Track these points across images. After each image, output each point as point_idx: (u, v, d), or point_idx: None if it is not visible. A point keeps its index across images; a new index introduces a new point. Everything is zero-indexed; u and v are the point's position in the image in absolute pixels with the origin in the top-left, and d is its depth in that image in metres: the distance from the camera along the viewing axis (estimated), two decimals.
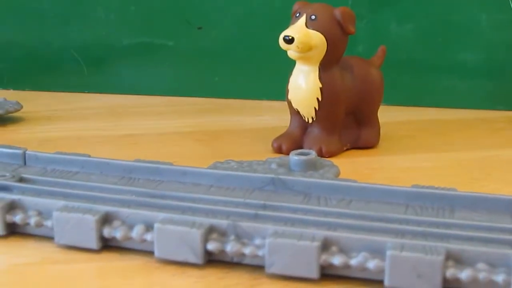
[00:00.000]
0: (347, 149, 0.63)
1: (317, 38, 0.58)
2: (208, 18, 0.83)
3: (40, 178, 0.49)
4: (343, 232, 0.39)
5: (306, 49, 0.58)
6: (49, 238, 0.43)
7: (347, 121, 0.63)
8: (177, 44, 0.84)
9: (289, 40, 0.58)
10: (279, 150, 0.62)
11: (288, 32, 0.58)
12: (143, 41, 0.85)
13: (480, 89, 0.79)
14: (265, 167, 0.52)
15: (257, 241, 0.40)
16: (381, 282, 0.38)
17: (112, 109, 0.80)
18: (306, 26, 0.58)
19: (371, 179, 0.54)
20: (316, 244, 0.38)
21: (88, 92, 0.87)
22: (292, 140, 0.62)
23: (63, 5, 0.86)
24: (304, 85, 0.60)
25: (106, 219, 0.42)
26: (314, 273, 0.38)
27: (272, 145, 0.63)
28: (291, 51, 0.59)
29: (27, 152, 0.53)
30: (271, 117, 0.75)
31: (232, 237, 0.40)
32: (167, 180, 0.50)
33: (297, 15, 0.60)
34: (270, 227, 0.40)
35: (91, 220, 0.41)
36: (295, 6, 0.61)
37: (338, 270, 0.39)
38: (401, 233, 0.40)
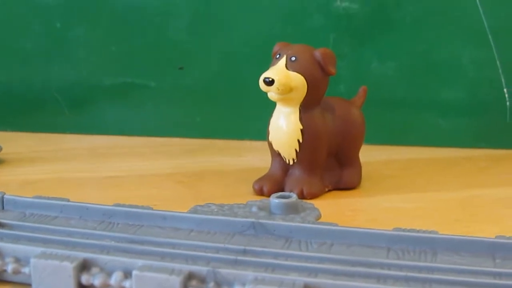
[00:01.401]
0: (329, 190, 0.63)
1: (298, 80, 0.58)
2: (189, 58, 0.83)
3: (18, 223, 0.48)
4: (324, 278, 0.39)
5: (287, 91, 0.58)
6: (27, 285, 0.42)
7: (328, 162, 0.62)
8: (159, 84, 0.84)
9: (269, 82, 0.57)
10: (260, 192, 0.62)
11: (268, 74, 0.58)
12: (125, 81, 0.84)
13: (463, 127, 0.79)
14: (246, 210, 0.52)
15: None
16: None
17: (94, 150, 0.79)
18: (287, 68, 0.58)
19: (353, 221, 0.54)
20: None
21: (69, 133, 0.86)
22: (274, 181, 0.62)
23: (45, 46, 0.86)
24: (284, 127, 0.60)
25: (84, 266, 0.41)
26: None
27: (254, 187, 0.62)
28: (272, 93, 0.59)
29: (5, 196, 0.53)
30: (253, 158, 0.75)
31: (212, 284, 0.40)
32: (147, 224, 0.49)
33: (278, 56, 0.60)
34: (250, 274, 0.39)
35: (69, 267, 0.41)
36: (276, 47, 0.61)
37: None
38: (383, 278, 0.40)
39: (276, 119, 0.61)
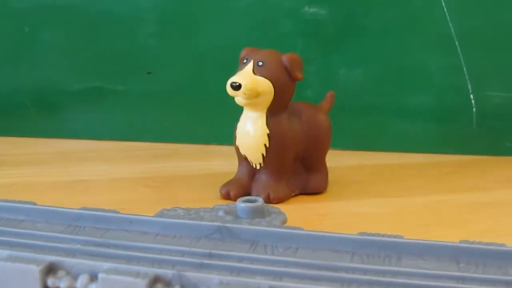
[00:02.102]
0: (296, 195, 0.63)
1: (264, 85, 0.58)
2: (158, 63, 0.83)
3: None
4: (289, 282, 0.39)
5: (254, 96, 0.58)
6: None
7: (295, 166, 0.63)
8: (127, 89, 0.84)
9: (236, 87, 0.58)
10: (227, 197, 0.62)
11: (235, 78, 0.58)
12: (94, 85, 0.84)
13: (430, 133, 0.80)
14: (212, 214, 0.52)
15: None
16: None
17: (62, 154, 0.79)
18: (254, 73, 0.59)
19: (319, 226, 0.54)
20: None
21: (37, 137, 0.86)
22: (240, 186, 0.62)
23: (13, 50, 0.85)
24: (251, 131, 0.60)
25: (50, 269, 0.42)
26: None
27: (220, 192, 0.62)
28: (239, 98, 0.59)
29: None
30: (221, 162, 0.75)
31: (177, 287, 0.40)
32: (114, 228, 0.49)
33: (245, 61, 0.60)
34: (215, 277, 0.40)
35: (35, 270, 0.41)
36: (243, 52, 0.61)
37: None
38: (347, 282, 0.40)
39: (243, 124, 0.61)
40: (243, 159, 0.62)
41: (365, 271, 0.42)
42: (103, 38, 0.84)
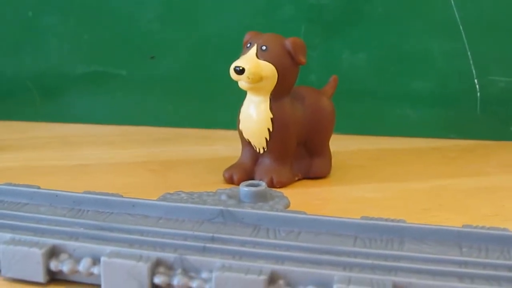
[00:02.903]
0: (299, 179, 0.63)
1: (268, 69, 0.58)
2: (161, 47, 0.83)
3: None
4: (291, 266, 0.39)
5: (257, 80, 0.58)
6: None
7: (298, 151, 0.63)
8: (130, 73, 0.84)
9: (240, 71, 0.58)
10: (230, 181, 0.62)
11: (239, 62, 0.58)
12: (96, 70, 0.84)
13: (433, 118, 0.80)
14: (215, 198, 0.52)
15: (204, 275, 0.40)
16: None
17: (65, 139, 0.79)
18: (257, 57, 0.58)
19: (322, 210, 0.54)
20: (263, 277, 0.38)
21: (40, 121, 0.86)
22: (243, 170, 0.62)
23: (15, 34, 0.85)
24: (255, 116, 0.60)
25: (53, 252, 0.42)
26: None
27: (224, 176, 0.63)
28: (242, 82, 0.59)
29: None
30: (224, 147, 0.75)
31: (179, 270, 0.40)
32: (117, 212, 0.49)
33: (248, 45, 0.60)
34: (217, 261, 0.40)
35: (38, 253, 0.41)
36: (247, 36, 0.61)
37: None
38: (349, 266, 0.40)
39: (247, 108, 0.61)
40: (246, 143, 0.62)
41: (367, 255, 0.42)
42: (106, 22, 0.84)
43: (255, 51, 0.59)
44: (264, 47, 0.59)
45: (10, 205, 0.50)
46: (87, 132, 0.82)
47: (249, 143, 0.62)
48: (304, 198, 0.58)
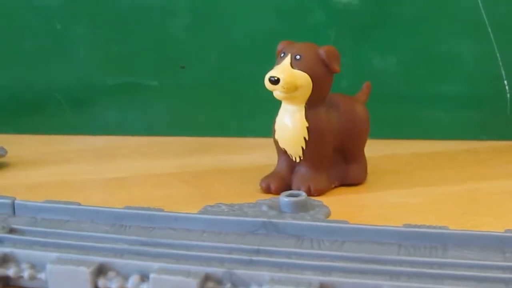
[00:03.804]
0: (335, 187, 0.63)
1: (303, 78, 0.58)
2: (191, 56, 0.83)
3: (30, 228, 0.48)
4: (338, 277, 0.40)
5: (292, 89, 0.58)
6: None
7: (334, 158, 0.63)
8: (161, 84, 0.84)
9: (275, 81, 0.58)
10: (267, 190, 0.62)
11: (274, 73, 0.58)
12: (127, 81, 0.85)
13: (464, 120, 0.80)
14: (256, 209, 0.52)
15: None
16: None
17: (98, 151, 0.79)
18: (291, 66, 0.58)
19: (362, 217, 0.54)
20: None
21: (71, 134, 0.86)
22: (280, 179, 0.62)
23: (44, 46, 0.86)
24: (290, 125, 0.60)
25: (100, 270, 0.42)
26: None
27: (261, 185, 0.63)
28: (277, 92, 0.59)
29: (16, 201, 0.53)
30: (258, 155, 0.75)
31: (228, 285, 0.40)
32: (159, 226, 0.50)
33: (282, 55, 0.60)
34: (266, 274, 0.40)
35: (86, 272, 0.41)
36: (280, 46, 0.61)
37: None
38: (396, 275, 0.40)
39: (282, 117, 0.61)
40: (282, 152, 0.62)
41: (412, 263, 0.42)
42: (135, 33, 0.84)
43: (289, 61, 0.59)
44: (298, 56, 0.59)
45: (52, 223, 0.51)
46: (119, 144, 0.82)
47: (285, 152, 0.62)
48: (343, 206, 0.58)
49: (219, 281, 0.41)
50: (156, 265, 0.41)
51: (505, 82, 0.77)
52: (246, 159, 0.75)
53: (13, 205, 0.53)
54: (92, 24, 0.85)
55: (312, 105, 0.60)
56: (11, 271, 0.43)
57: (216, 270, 0.41)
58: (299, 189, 0.59)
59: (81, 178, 0.69)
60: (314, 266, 0.42)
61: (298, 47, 0.60)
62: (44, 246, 0.45)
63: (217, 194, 0.62)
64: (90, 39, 0.85)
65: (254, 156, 0.75)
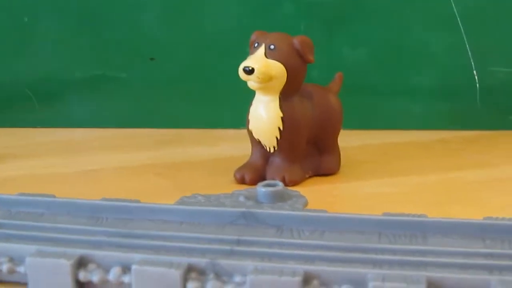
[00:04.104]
0: (309, 177, 0.63)
1: (277, 68, 0.58)
2: (160, 49, 0.83)
3: (6, 221, 0.47)
4: (323, 265, 0.39)
5: (267, 80, 0.58)
6: (21, 284, 0.42)
7: (308, 148, 0.63)
8: (130, 76, 0.84)
9: (249, 71, 0.57)
10: (242, 181, 0.62)
11: (248, 63, 0.58)
12: (96, 73, 0.84)
13: (434, 111, 0.81)
14: (233, 200, 0.52)
15: (237, 279, 0.40)
16: None
17: (68, 144, 0.78)
18: (266, 56, 0.58)
19: (338, 207, 0.54)
20: (298, 279, 0.38)
21: (40, 127, 0.85)
22: (255, 170, 0.62)
23: (11, 40, 0.85)
24: (264, 115, 0.60)
25: (81, 263, 0.41)
26: None
27: (235, 176, 0.62)
28: (251, 82, 0.58)
29: None
30: (228, 147, 0.75)
31: (211, 275, 0.40)
32: (137, 218, 0.49)
33: (256, 45, 0.59)
34: (250, 264, 0.40)
35: (66, 264, 0.41)
36: (253, 36, 0.61)
37: None
38: (379, 263, 0.41)
39: (256, 108, 0.61)
40: (256, 143, 0.62)
41: (394, 251, 0.42)
42: (104, 25, 0.83)
43: (263, 51, 0.58)
44: (272, 46, 0.58)
45: (27, 215, 0.49)
46: (90, 137, 0.81)
47: (259, 142, 0.62)
48: (318, 196, 0.58)
49: (202, 272, 0.40)
50: (137, 256, 0.41)
51: (475, 72, 0.78)
52: (217, 150, 0.74)
53: None
54: (59, 16, 0.83)
55: (286, 95, 0.60)
56: None
57: (199, 260, 0.40)
58: (274, 180, 0.59)
59: (53, 171, 0.68)
60: (297, 256, 0.41)
61: (272, 37, 0.59)
62: (22, 239, 0.44)
63: (192, 186, 0.61)
64: (58, 31, 0.84)
65: (224, 148, 0.75)
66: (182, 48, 0.83)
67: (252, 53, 0.60)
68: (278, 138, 0.60)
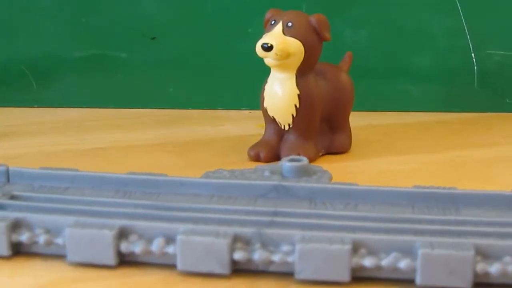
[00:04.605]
0: (322, 155, 0.64)
1: (295, 45, 0.58)
2: (161, 29, 0.82)
3: (33, 195, 0.47)
4: (368, 235, 0.40)
5: (284, 57, 0.58)
6: (58, 256, 0.41)
7: (320, 126, 0.63)
8: (130, 56, 0.83)
9: (268, 48, 0.57)
10: (256, 158, 0.62)
11: (267, 39, 0.58)
12: (95, 53, 0.83)
13: (434, 93, 0.82)
14: (257, 175, 0.52)
15: (284, 248, 0.40)
16: (411, 281, 0.38)
17: (69, 123, 0.77)
18: (284, 33, 0.58)
19: (358, 183, 0.55)
20: (348, 247, 0.38)
21: (38, 107, 0.84)
22: (269, 147, 0.62)
23: (9, 18, 0.83)
24: (280, 93, 0.60)
25: (122, 234, 0.41)
26: (346, 277, 0.39)
27: (249, 154, 0.62)
28: (269, 59, 0.58)
29: (10, 168, 0.50)
30: (232, 126, 0.75)
31: (258, 245, 0.40)
32: (165, 192, 0.48)
33: (272, 22, 0.59)
34: (297, 233, 0.40)
35: (108, 235, 0.40)
36: (268, 14, 0.61)
37: (368, 272, 0.39)
38: (423, 232, 0.41)
39: (272, 85, 0.61)
40: (270, 121, 0.62)
41: (433, 222, 0.43)
42: (104, 3, 0.82)
43: (281, 28, 0.58)
44: (290, 24, 0.59)
45: (51, 190, 0.48)
46: (90, 116, 0.80)
47: (274, 120, 0.62)
48: (335, 173, 0.58)
49: (247, 242, 0.40)
50: (181, 226, 0.41)
51: (473, 55, 0.79)
52: (221, 130, 0.74)
53: (7, 172, 0.50)
54: None
55: (302, 73, 0.60)
56: (24, 237, 0.42)
57: (245, 230, 0.40)
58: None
59: (58, 149, 0.67)
60: (338, 226, 0.41)
61: (289, 15, 0.59)
62: (54, 211, 0.43)
63: (205, 163, 0.61)
64: (57, 9, 0.82)
65: (228, 127, 0.75)
66: (182, 29, 0.82)
67: (268, 30, 0.60)
68: (294, 115, 0.60)
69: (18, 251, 0.42)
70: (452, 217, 0.43)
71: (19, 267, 0.41)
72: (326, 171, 0.53)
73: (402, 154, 0.65)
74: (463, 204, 0.46)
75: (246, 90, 0.78)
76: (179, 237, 0.40)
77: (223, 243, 0.39)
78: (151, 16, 0.82)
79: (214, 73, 0.82)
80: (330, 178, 0.52)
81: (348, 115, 0.65)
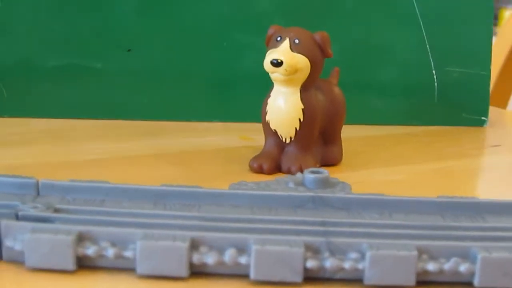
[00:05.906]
0: (319, 167, 0.66)
1: (303, 61, 0.61)
2: (137, 40, 0.82)
3: (77, 207, 0.47)
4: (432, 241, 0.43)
5: (293, 72, 0.60)
6: (124, 269, 0.42)
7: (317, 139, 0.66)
8: (105, 66, 0.82)
9: (278, 64, 0.60)
10: (259, 170, 0.64)
11: (276, 55, 0.60)
12: (70, 62, 0.82)
13: (397, 107, 0.85)
14: (282, 187, 0.54)
15: (353, 255, 0.42)
16: (469, 284, 0.42)
17: (51, 133, 0.75)
18: (291, 50, 0.61)
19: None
20: (414, 253, 0.41)
21: (9, 117, 0.81)
22: (272, 159, 0.64)
23: None
24: (284, 107, 0.62)
25: (193, 245, 0.42)
26: (412, 281, 0.42)
27: (251, 166, 0.64)
28: (277, 74, 0.61)
29: (41, 180, 0.50)
30: (215, 138, 0.76)
31: (327, 254, 0.42)
32: (204, 203, 0.49)
33: (278, 38, 0.62)
34: (364, 241, 0.42)
35: (182, 247, 0.41)
36: (271, 30, 0.63)
37: (431, 276, 0.42)
38: (461, 239, 0.44)
39: (275, 99, 0.63)
40: (272, 134, 0.64)
41: (467, 229, 0.46)
42: (79, 13, 0.81)
43: (288, 44, 0.61)
44: (297, 40, 0.61)
45: (87, 202, 0.48)
46: (67, 127, 0.78)
47: (275, 133, 0.64)
48: None
49: (316, 251, 0.42)
50: (252, 237, 0.42)
51: (433, 72, 0.83)
52: (207, 142, 0.74)
53: (37, 185, 0.50)
54: (34, 2, 0.81)
55: (306, 88, 0.62)
56: (90, 251, 0.42)
57: (314, 239, 0.42)
58: (289, 169, 0.63)
59: (52, 159, 0.65)
60: (399, 234, 0.44)
61: (294, 32, 0.62)
62: (119, 225, 0.44)
63: (210, 174, 0.63)
64: (30, 17, 0.81)
65: (212, 139, 0.75)
66: (158, 40, 0.82)
67: (273, 46, 0.62)
68: (297, 129, 0.63)
69: (81, 265, 0.43)
70: (480, 224, 0.47)
71: (87, 281, 0.41)
72: (345, 182, 0.56)
73: (390, 165, 0.68)
74: (486, 213, 0.50)
75: (220, 102, 0.80)
76: (254, 247, 0.41)
77: (298, 252, 0.41)
78: (127, 26, 0.82)
79: (188, 85, 0.83)
80: (351, 189, 0.55)
81: (341, 127, 0.68)
